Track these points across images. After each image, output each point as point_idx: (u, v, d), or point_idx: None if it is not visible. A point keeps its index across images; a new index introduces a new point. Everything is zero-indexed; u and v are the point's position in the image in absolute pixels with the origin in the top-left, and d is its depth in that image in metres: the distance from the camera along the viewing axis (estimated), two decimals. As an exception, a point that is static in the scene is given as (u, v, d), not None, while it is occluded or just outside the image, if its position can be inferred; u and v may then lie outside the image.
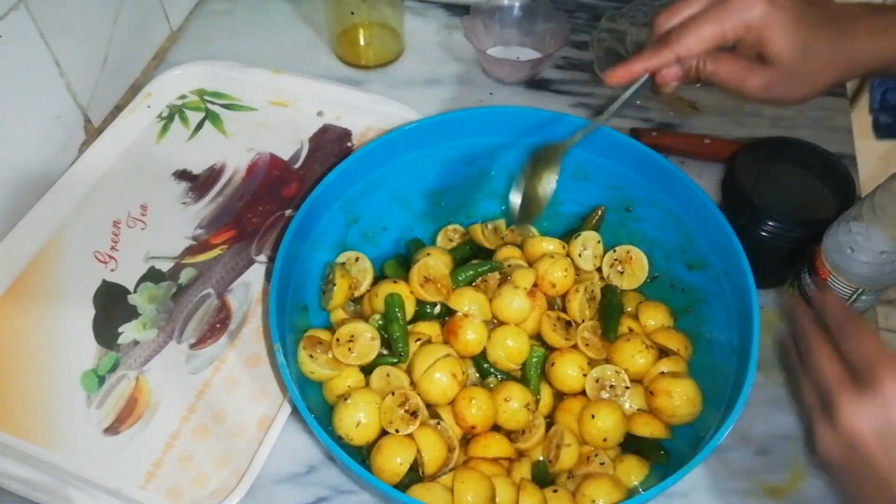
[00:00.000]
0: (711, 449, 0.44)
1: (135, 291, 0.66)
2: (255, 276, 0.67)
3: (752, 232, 0.59)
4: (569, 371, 0.55)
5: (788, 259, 0.63)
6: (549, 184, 0.53)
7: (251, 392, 0.60)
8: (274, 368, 0.61)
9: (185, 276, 0.67)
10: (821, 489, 0.56)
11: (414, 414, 0.52)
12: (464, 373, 0.54)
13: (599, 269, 0.61)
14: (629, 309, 0.60)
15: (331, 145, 0.76)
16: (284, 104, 0.80)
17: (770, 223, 0.59)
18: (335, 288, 0.57)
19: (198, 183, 0.73)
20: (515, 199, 0.53)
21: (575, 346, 0.57)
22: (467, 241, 0.64)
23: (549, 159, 0.53)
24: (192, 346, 0.63)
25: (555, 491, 0.51)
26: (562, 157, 0.53)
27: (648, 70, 0.51)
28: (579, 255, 0.60)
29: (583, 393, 0.56)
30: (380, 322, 0.57)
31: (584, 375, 0.55)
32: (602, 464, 0.52)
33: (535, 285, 0.58)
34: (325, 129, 0.78)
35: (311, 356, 0.53)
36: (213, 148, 0.76)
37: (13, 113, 0.67)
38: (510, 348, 0.55)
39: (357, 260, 0.60)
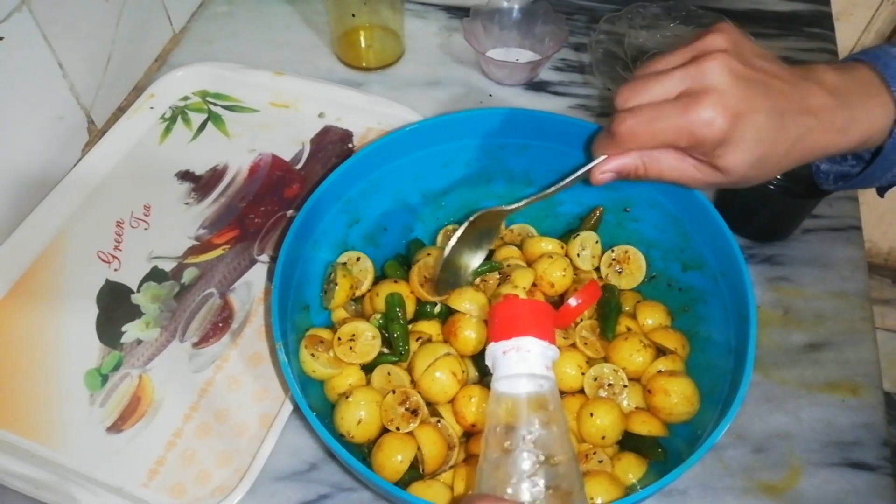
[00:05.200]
0: (709, 447, 0.45)
1: (138, 291, 0.66)
2: (257, 275, 0.68)
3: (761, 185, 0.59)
4: (567, 369, 0.55)
5: (792, 212, 0.68)
6: (475, 256, 0.57)
7: (253, 390, 0.61)
8: (276, 367, 0.62)
9: (188, 275, 0.67)
10: (818, 487, 0.57)
11: (414, 412, 0.53)
12: (464, 371, 0.55)
13: (598, 269, 0.62)
14: (627, 308, 0.61)
15: (332, 146, 0.77)
16: (286, 105, 0.80)
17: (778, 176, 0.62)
18: (336, 287, 0.57)
19: (200, 183, 0.74)
20: (440, 264, 0.54)
21: (573, 345, 0.57)
22: (467, 241, 0.64)
23: (489, 225, 0.55)
24: (195, 345, 0.63)
25: (554, 488, 0.52)
26: (502, 223, 0.55)
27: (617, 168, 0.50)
28: (578, 255, 0.61)
29: (581, 391, 0.56)
30: (380, 321, 0.57)
31: (583, 374, 0.55)
32: (600, 461, 0.52)
33: (534, 285, 0.58)
34: (327, 131, 0.78)
35: (312, 355, 0.54)
36: (215, 149, 0.77)
37: (16, 114, 0.67)
38: (509, 347, 0.56)
39: (358, 260, 0.61)
